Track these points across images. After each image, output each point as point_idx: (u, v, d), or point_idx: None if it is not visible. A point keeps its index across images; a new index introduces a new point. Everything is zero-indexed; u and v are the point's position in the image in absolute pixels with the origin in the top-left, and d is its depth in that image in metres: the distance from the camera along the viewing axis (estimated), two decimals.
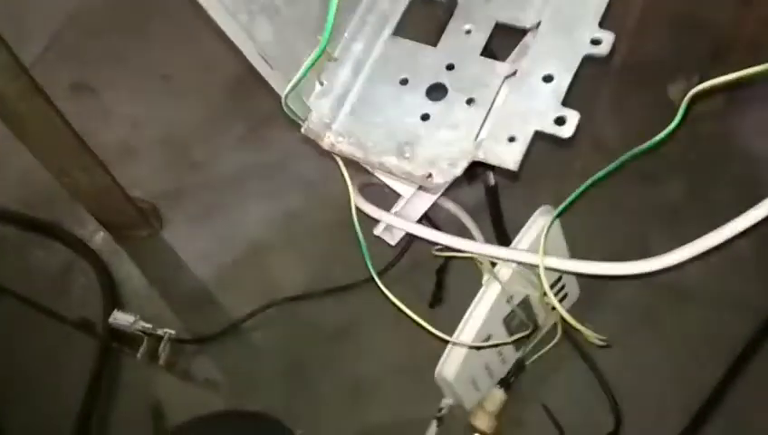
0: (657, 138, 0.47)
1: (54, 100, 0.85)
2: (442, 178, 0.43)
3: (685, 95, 1.03)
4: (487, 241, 0.71)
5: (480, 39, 0.47)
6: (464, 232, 0.74)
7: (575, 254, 0.65)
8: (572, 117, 0.42)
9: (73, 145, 0.86)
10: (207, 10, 0.40)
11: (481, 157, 0.42)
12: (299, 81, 0.42)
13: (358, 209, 0.53)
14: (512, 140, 0.42)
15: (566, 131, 0.41)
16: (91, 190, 0.89)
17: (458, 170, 0.43)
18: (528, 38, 0.47)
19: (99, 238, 0.94)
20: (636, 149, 0.49)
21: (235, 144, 0.97)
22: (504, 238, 0.72)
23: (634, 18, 1.01)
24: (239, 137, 0.98)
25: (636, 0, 1.01)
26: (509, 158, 0.42)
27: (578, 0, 0.45)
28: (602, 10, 0.45)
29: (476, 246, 0.54)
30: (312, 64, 0.42)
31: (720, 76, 0.97)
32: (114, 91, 1.04)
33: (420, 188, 0.53)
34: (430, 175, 0.44)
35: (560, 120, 0.42)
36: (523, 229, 0.61)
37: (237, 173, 0.96)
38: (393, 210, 0.54)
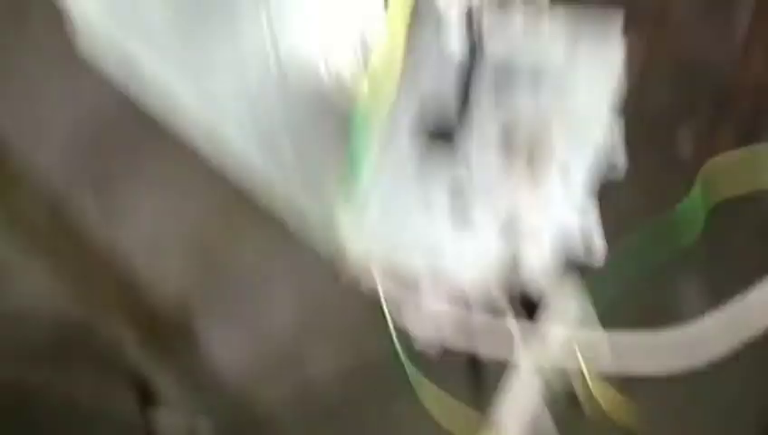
0: (686, 237, 0.49)
1: (75, 205, 0.87)
2: (476, 291, 0.45)
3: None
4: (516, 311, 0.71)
5: (495, 138, 0.49)
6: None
7: (603, 318, 0.66)
8: (598, 233, 0.43)
9: (99, 256, 0.89)
10: (237, 171, 0.42)
11: (513, 270, 0.44)
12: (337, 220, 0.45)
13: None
14: (540, 254, 0.44)
15: (596, 251, 0.43)
16: (119, 308, 0.91)
17: (491, 283, 0.44)
18: (544, 139, 0.48)
19: (133, 349, 0.95)
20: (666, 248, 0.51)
21: (259, 242, 0.99)
22: (532, 313, 0.73)
23: (635, 72, 1.03)
24: (261, 221, 0.99)
25: (636, 53, 1.04)
26: (540, 273, 0.43)
27: (592, 98, 0.47)
28: (612, 107, 0.47)
29: (513, 347, 0.54)
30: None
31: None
32: (134, 190, 1.07)
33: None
34: (464, 289, 0.45)
35: (588, 237, 0.43)
36: (551, 305, 0.61)
37: (262, 260, 0.97)
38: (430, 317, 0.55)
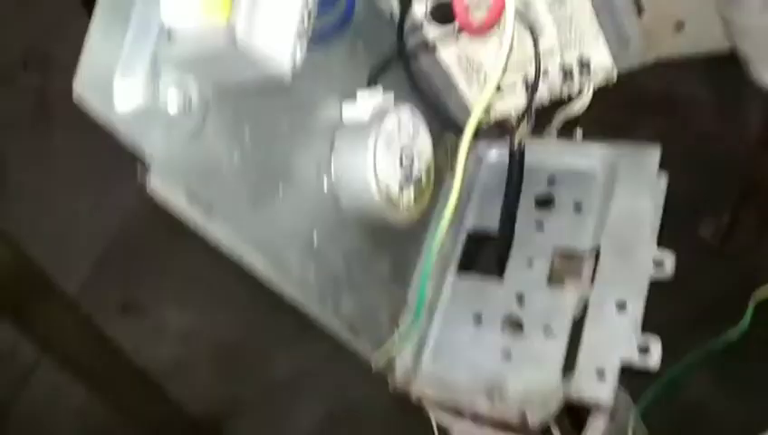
0: (731, 337, 0.49)
1: (105, 323, 0.87)
2: (537, 417, 0.44)
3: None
4: None
5: (543, 267, 0.49)
6: None
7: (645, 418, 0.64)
8: (655, 345, 0.43)
9: (128, 374, 0.88)
10: (295, 301, 0.42)
11: (573, 395, 0.43)
12: (391, 352, 0.45)
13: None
14: (600, 374, 0.43)
15: (652, 361, 0.42)
16: (150, 418, 0.90)
17: (553, 409, 0.44)
18: (591, 263, 0.49)
19: None
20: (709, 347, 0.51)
21: (286, 343, 0.99)
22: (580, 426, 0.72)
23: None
24: (289, 335, 0.99)
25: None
26: (601, 394, 0.43)
27: (631, 222, 0.48)
28: (657, 229, 0.47)
29: None
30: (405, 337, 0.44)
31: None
32: (162, 306, 1.08)
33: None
34: (525, 416, 0.44)
35: (643, 349, 0.43)
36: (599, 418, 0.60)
37: (293, 373, 0.97)
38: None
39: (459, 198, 0.42)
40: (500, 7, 0.35)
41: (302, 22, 0.33)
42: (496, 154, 0.54)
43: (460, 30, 0.44)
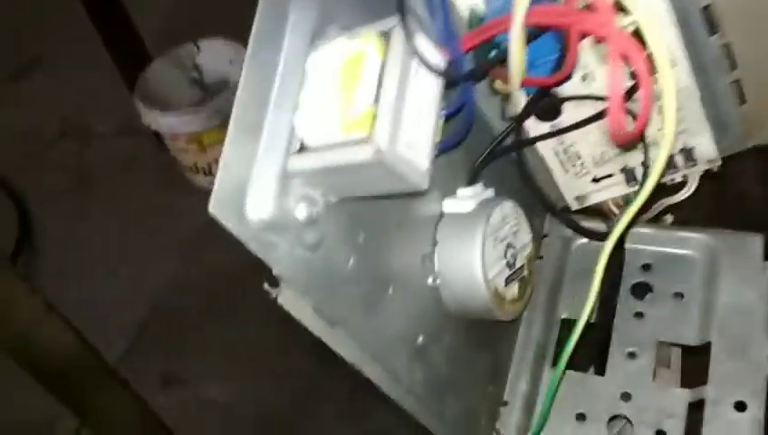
0: None
1: (146, 396, 0.85)
2: None
3: None
4: None
5: (647, 361, 0.47)
6: None
7: None
8: None
9: None
10: (403, 407, 0.40)
11: None
12: None
13: None
14: None
15: None
16: None
17: None
18: (700, 358, 0.47)
19: None
20: None
21: (335, 417, 0.96)
22: None
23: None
24: (338, 409, 0.97)
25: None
26: None
27: (741, 317, 0.46)
28: None
29: None
30: None
31: None
32: (205, 379, 1.05)
33: None
34: None
35: None
36: None
37: None
38: None
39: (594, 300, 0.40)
40: (647, 116, 0.34)
41: (435, 132, 0.33)
42: (586, 239, 0.53)
43: (561, 131, 0.43)
